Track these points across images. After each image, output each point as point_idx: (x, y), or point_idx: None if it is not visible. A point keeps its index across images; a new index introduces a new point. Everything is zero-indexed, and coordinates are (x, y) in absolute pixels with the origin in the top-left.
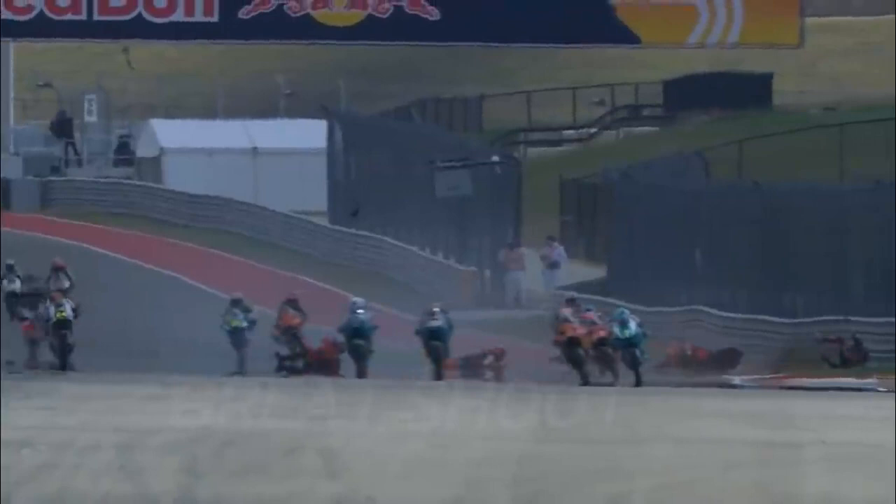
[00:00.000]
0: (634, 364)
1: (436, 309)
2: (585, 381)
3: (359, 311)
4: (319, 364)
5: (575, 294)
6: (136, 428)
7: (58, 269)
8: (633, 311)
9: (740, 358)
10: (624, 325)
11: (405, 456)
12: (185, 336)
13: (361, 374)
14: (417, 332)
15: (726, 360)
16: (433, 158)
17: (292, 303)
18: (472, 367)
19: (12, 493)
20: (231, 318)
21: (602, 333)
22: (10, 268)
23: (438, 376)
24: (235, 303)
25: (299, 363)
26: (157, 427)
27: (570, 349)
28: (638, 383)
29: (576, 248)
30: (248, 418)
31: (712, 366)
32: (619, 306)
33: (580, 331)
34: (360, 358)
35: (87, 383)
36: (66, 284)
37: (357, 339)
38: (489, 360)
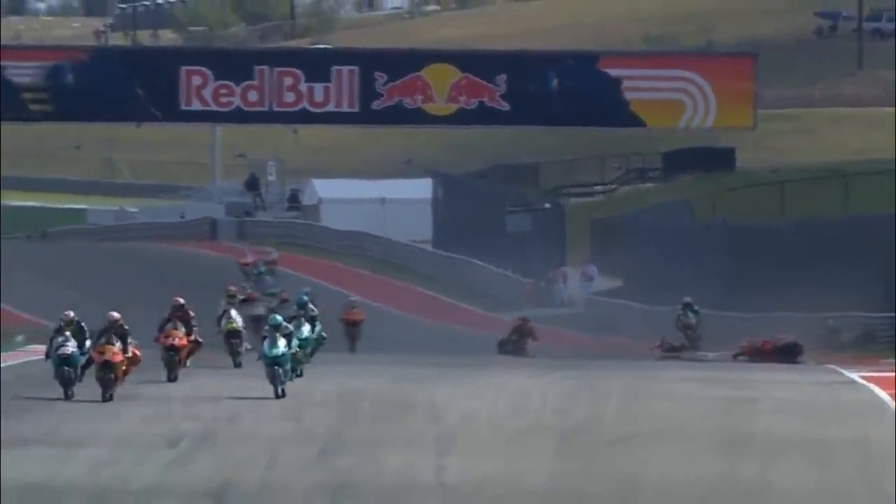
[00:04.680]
0: (274, 380)
1: (64, 336)
2: (174, 379)
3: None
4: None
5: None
6: (298, 388)
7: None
8: (641, 310)
9: (801, 349)
10: (272, 344)
11: (481, 408)
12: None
13: (68, 397)
14: (47, 358)
15: (789, 351)
16: (504, 205)
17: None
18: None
19: (209, 437)
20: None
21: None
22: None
23: (66, 396)
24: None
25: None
26: (310, 387)
27: (167, 353)
28: (279, 396)
29: (601, 267)
30: (371, 383)
31: (777, 355)
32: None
33: (182, 340)
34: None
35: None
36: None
37: (65, 367)
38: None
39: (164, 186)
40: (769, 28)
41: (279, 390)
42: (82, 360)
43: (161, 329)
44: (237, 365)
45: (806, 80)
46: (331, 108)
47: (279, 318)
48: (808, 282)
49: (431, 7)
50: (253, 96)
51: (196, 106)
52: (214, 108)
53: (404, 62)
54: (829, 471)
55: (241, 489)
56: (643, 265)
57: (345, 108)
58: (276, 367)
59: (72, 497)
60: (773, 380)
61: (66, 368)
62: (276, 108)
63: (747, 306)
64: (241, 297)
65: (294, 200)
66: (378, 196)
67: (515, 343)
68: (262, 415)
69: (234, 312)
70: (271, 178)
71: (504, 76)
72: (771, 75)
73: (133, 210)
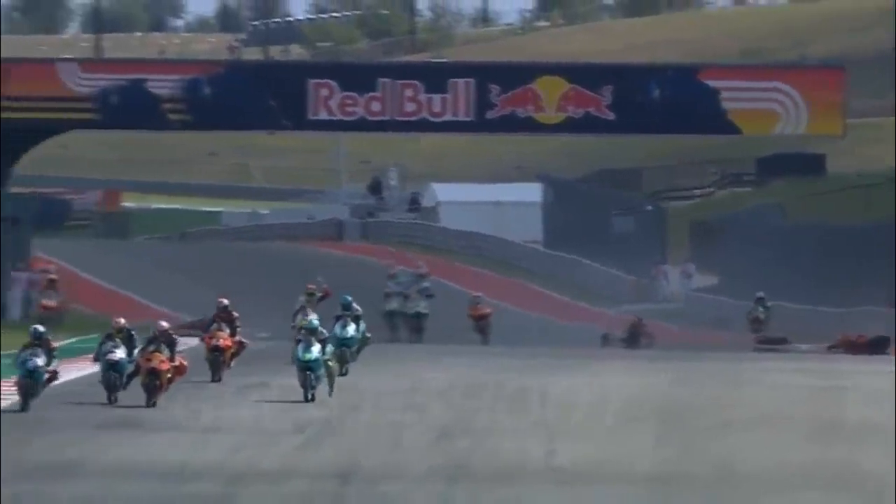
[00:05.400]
0: (305, 384)
1: (114, 342)
2: (218, 380)
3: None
4: None
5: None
6: (418, 378)
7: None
8: (737, 305)
9: (889, 342)
10: (307, 348)
11: (589, 396)
12: (444, 319)
13: (111, 402)
14: (96, 359)
15: (879, 343)
16: (610, 208)
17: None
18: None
19: (333, 423)
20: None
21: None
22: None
23: (109, 401)
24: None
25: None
26: (429, 378)
27: (212, 354)
28: (308, 399)
29: (700, 265)
30: (485, 374)
31: (869, 348)
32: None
33: (226, 341)
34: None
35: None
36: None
37: (112, 372)
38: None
39: (294, 190)
40: (856, 43)
41: (309, 394)
42: (129, 367)
43: (206, 330)
44: None
45: (890, 91)
46: (448, 117)
47: (315, 322)
48: (892, 278)
49: (542, 23)
50: (376, 107)
51: (323, 116)
52: (340, 117)
53: (516, 74)
54: None
55: (365, 471)
56: (739, 263)
57: (461, 118)
58: (308, 372)
59: (209, 478)
60: (861, 370)
61: (113, 374)
62: (397, 118)
63: (835, 301)
64: (319, 294)
65: (414, 203)
66: (492, 199)
67: (628, 338)
68: (384, 403)
69: (310, 310)
70: (393, 182)
71: (609, 87)
72: (858, 87)
73: (264, 212)
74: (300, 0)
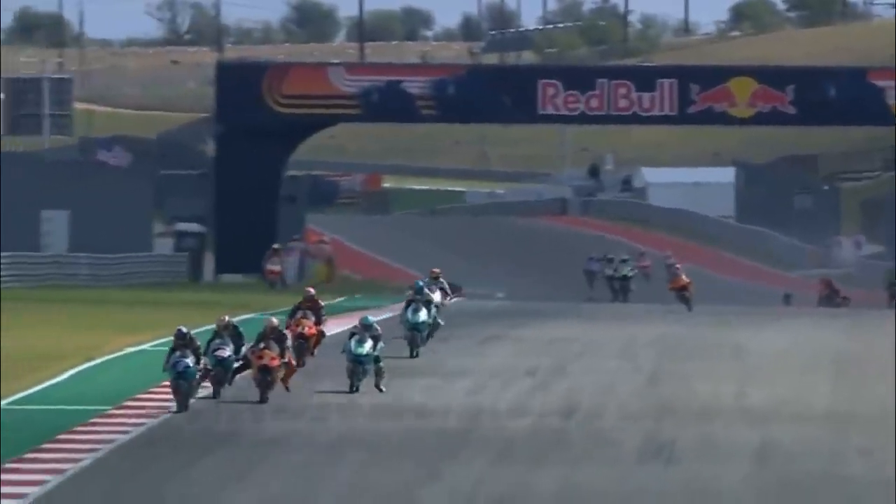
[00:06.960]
0: (352, 376)
1: (222, 338)
2: (302, 365)
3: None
4: None
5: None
6: (630, 333)
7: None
8: None
9: None
10: (360, 342)
11: (774, 346)
12: (653, 284)
13: (216, 396)
14: (204, 354)
15: None
16: (791, 188)
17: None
18: None
19: (559, 369)
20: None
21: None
22: None
23: (214, 395)
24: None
25: None
26: (638, 331)
27: (297, 341)
28: (353, 391)
29: (868, 236)
30: (685, 328)
31: None
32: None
33: (311, 329)
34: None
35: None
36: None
37: (181, 380)
38: None
39: (525, 173)
40: None
41: (355, 386)
42: (235, 364)
43: (292, 317)
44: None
45: None
46: (655, 112)
47: (371, 318)
48: None
49: (734, 33)
50: (594, 103)
51: (550, 110)
52: (564, 112)
53: (713, 75)
54: None
55: (585, 409)
56: None
57: (666, 112)
58: (358, 365)
59: (449, 415)
60: None
61: (219, 369)
62: (612, 112)
63: None
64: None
65: (626, 184)
66: (693, 181)
67: (823, 298)
68: (601, 353)
69: (435, 288)
70: (608, 167)
71: (792, 86)
72: None
73: (501, 191)
74: (531, 13)
